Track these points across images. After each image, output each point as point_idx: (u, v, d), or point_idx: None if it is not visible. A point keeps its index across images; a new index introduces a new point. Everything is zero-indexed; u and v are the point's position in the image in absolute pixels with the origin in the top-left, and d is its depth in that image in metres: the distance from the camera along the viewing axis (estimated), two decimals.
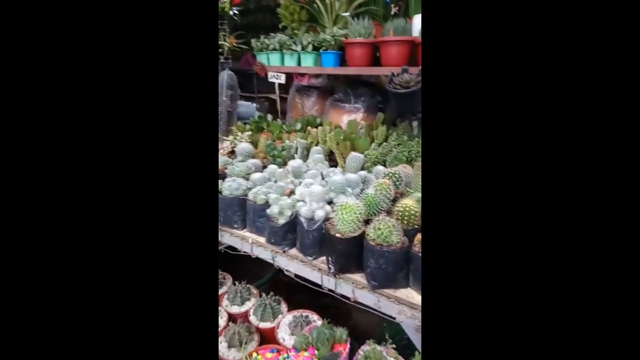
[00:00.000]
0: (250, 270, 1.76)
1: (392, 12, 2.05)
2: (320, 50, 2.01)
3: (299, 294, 1.45)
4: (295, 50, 2.07)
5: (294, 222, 1.29)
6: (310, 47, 2.01)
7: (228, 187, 1.41)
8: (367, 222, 1.18)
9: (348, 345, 1.02)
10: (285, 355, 1.02)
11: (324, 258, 1.23)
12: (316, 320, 1.21)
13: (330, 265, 1.19)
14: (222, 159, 1.72)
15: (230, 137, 1.89)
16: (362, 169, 1.76)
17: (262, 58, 2.23)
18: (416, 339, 1.12)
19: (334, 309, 1.38)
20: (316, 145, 1.94)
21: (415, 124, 2.12)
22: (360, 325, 1.76)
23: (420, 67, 1.67)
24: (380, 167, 1.65)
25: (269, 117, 2.25)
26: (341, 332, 1.06)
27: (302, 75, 2.73)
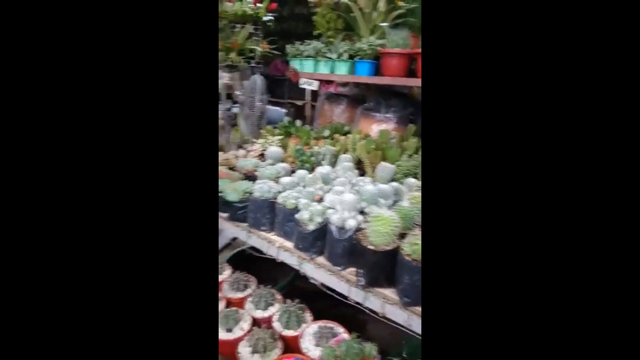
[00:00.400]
0: (268, 273, 1.74)
1: None
2: (355, 59, 2.01)
3: (316, 302, 1.42)
4: (330, 58, 2.08)
5: (323, 230, 1.27)
6: (346, 56, 2.01)
7: (259, 189, 1.41)
8: (400, 235, 1.14)
9: None
10: None
11: (352, 269, 1.20)
12: (342, 332, 1.17)
13: (359, 278, 1.15)
14: (253, 161, 1.73)
15: (261, 140, 1.90)
16: (393, 180, 1.73)
17: (295, 64, 2.25)
18: None
19: (350, 318, 1.34)
20: (344, 153, 1.92)
21: None
22: (377, 338, 1.69)
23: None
24: (412, 180, 1.61)
25: (298, 122, 2.25)
26: (370, 347, 1.02)
27: (329, 83, 2.74)
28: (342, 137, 2.02)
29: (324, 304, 1.35)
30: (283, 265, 1.40)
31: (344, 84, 2.64)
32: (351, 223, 1.21)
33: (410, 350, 1.43)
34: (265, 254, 1.43)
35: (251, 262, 1.71)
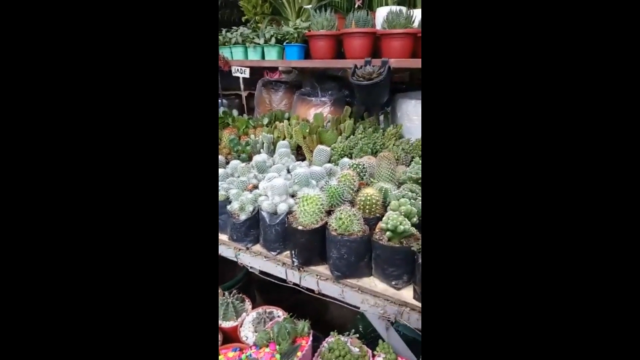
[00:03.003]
0: (221, 269, 1.70)
1: (356, 5, 2.05)
2: (284, 44, 1.98)
3: (274, 292, 1.42)
4: (259, 44, 2.02)
5: (256, 218, 1.26)
6: (273, 40, 1.97)
7: None
8: (331, 213, 1.17)
9: (310, 338, 1.00)
10: (248, 353, 0.99)
11: (288, 252, 1.21)
12: (281, 315, 1.18)
13: (294, 259, 1.17)
14: None
15: None
16: (330, 162, 1.75)
17: (225, 52, 2.17)
18: (380, 327, 1.12)
19: (312, 304, 1.36)
20: (283, 139, 1.90)
21: (382, 117, 2.14)
22: (338, 318, 1.74)
23: (383, 59, 1.68)
24: (346, 160, 1.65)
25: (235, 112, 2.19)
26: (303, 324, 1.04)
27: (273, 71, 2.68)
28: (281, 124, 2.00)
29: (284, 292, 1.34)
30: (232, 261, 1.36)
31: (289, 71, 2.61)
32: (282, 207, 1.21)
33: (365, 324, 1.49)
34: None
35: None
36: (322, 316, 1.97)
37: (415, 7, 1.88)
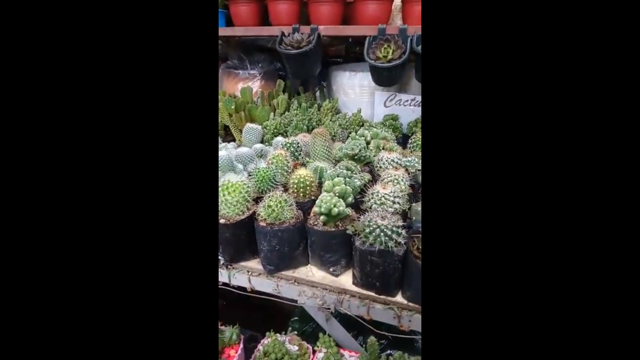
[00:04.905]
0: None
1: None
2: None
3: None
4: None
5: None
6: None
7: None
8: (257, 200, 1.02)
9: (241, 345, 0.88)
10: None
11: None
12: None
13: (219, 257, 1.01)
14: None
15: None
16: (262, 141, 1.58)
17: None
18: (320, 318, 1.04)
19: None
20: None
21: (318, 92, 2.01)
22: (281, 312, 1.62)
23: (312, 25, 1.52)
24: (279, 138, 1.50)
25: None
26: (231, 332, 0.91)
27: None
28: None
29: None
30: None
31: None
32: None
33: (300, 313, 1.41)
34: None
35: None
36: (285, 310, 1.85)
37: None
